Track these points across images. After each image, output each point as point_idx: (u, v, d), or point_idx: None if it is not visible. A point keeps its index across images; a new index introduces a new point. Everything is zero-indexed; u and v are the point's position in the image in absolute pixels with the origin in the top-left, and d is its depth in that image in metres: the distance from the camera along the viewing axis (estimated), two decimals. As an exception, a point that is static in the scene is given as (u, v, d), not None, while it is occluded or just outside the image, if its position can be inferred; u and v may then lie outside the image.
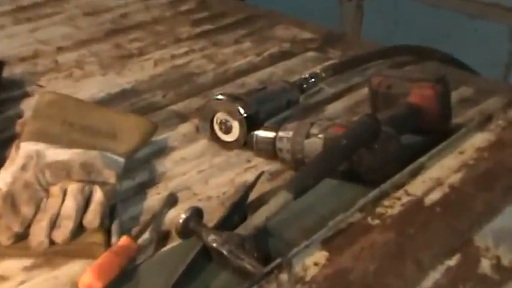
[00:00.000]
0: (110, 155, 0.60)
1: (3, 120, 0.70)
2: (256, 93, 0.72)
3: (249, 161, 0.67)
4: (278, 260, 0.49)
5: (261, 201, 0.57)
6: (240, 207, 0.57)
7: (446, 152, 0.61)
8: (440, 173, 0.59)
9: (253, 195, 0.59)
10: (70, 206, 0.53)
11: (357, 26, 1.37)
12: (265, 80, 0.86)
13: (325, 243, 0.51)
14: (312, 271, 0.48)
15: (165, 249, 0.53)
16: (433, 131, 0.67)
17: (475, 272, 0.48)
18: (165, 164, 0.66)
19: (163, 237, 0.55)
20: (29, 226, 0.53)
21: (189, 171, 0.65)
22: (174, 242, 0.54)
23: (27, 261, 0.51)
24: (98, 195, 0.55)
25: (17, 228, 0.52)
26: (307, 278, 0.48)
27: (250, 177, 0.63)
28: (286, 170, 0.65)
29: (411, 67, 0.87)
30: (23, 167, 0.55)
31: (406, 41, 0.92)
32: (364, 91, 0.76)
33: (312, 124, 0.63)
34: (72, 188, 0.54)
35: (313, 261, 0.50)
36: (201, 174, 0.65)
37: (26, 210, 0.53)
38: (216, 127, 0.69)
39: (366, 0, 1.35)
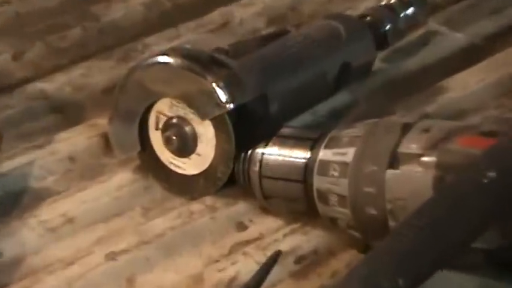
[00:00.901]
0: None
1: None
2: (259, 48, 0.78)
3: (242, 226, 0.72)
4: None
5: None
6: None
7: None
8: None
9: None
10: None
11: None
12: (283, 13, 0.90)
13: None
14: None
15: None
16: None
17: None
18: (22, 235, 0.71)
19: None
20: None
21: (86, 254, 0.69)
22: None
23: None
24: None
25: None
26: None
27: (245, 267, 0.68)
28: (340, 249, 0.69)
29: None
30: None
31: None
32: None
33: (405, 128, 0.67)
34: None
35: None
36: (115, 261, 0.68)
37: None
38: (155, 137, 0.74)
39: None
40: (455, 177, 0.62)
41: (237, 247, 0.71)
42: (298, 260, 0.69)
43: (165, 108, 0.73)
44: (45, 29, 0.90)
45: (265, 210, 0.73)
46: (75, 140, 0.79)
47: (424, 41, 0.89)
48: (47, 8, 0.92)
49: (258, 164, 0.72)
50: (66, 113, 0.82)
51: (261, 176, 0.72)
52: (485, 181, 0.59)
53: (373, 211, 0.66)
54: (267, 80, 0.74)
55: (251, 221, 0.73)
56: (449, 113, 0.80)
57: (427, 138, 0.66)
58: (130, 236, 0.72)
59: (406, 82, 0.86)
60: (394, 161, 0.66)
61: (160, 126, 0.74)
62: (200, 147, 0.73)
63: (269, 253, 0.68)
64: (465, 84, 0.86)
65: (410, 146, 0.66)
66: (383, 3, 0.86)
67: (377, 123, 0.70)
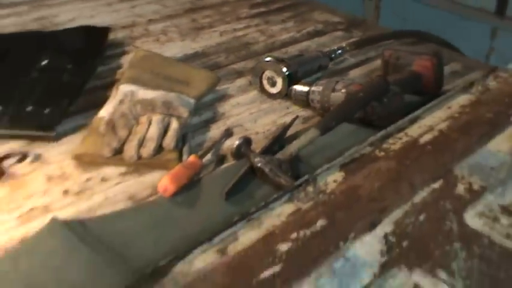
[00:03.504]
0: (184, 96, 0.79)
1: (108, 70, 0.96)
2: (295, 58, 0.90)
3: (287, 108, 0.86)
4: (306, 177, 0.61)
5: (295, 136, 0.72)
6: (279, 140, 0.73)
7: (437, 106, 0.77)
8: (432, 122, 0.74)
9: (289, 132, 0.76)
10: (153, 131, 0.69)
11: (375, 20, 1.74)
12: (303, 49, 1.05)
13: (343, 167, 0.64)
14: (331, 186, 0.61)
15: (222, 167, 0.69)
16: (429, 93, 0.84)
17: (453, 193, 0.60)
18: (224, 107, 0.86)
19: (221, 159, 0.72)
20: (123, 144, 0.69)
21: (242, 113, 0.84)
22: (229, 162, 0.70)
23: (122, 169, 0.68)
24: (174, 125, 0.71)
25: (115, 145, 0.69)
26: (328, 191, 0.60)
27: (288, 119, 0.81)
28: (316, 116, 0.83)
29: (415, 46, 1.06)
30: (121, 102, 0.74)
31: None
32: (378, 62, 0.95)
33: (337, 82, 0.80)
34: (156, 118, 0.71)
35: (332, 179, 0.62)
36: (251, 115, 0.84)
37: (122, 132, 0.70)
38: (264, 82, 0.88)
39: (383, 1, 1.73)
40: (351, 96, 0.75)
41: (285, 114, 0.82)
42: (304, 118, 0.82)
43: (267, 73, 0.85)
44: (234, 50, 1.05)
45: (295, 104, 0.84)
46: (240, 82, 0.93)
47: (343, 60, 1.01)
48: (235, 45, 1.08)
49: (293, 91, 0.84)
50: (239, 74, 0.95)
51: (294, 94, 0.84)
52: (359, 97, 0.73)
53: (327, 105, 0.79)
54: (298, 67, 0.85)
55: (290, 107, 0.85)
56: (350, 79, 0.90)
57: (344, 85, 0.78)
58: (255, 108, 0.83)
59: (337, 72, 0.97)
60: (334, 90, 0.78)
61: (266, 78, 0.85)
62: (277, 85, 0.85)
63: (295, 115, 0.78)
64: (354, 74, 0.97)
65: (338, 86, 0.79)
66: (332, 48, 0.96)
67: (328, 80, 0.82)
